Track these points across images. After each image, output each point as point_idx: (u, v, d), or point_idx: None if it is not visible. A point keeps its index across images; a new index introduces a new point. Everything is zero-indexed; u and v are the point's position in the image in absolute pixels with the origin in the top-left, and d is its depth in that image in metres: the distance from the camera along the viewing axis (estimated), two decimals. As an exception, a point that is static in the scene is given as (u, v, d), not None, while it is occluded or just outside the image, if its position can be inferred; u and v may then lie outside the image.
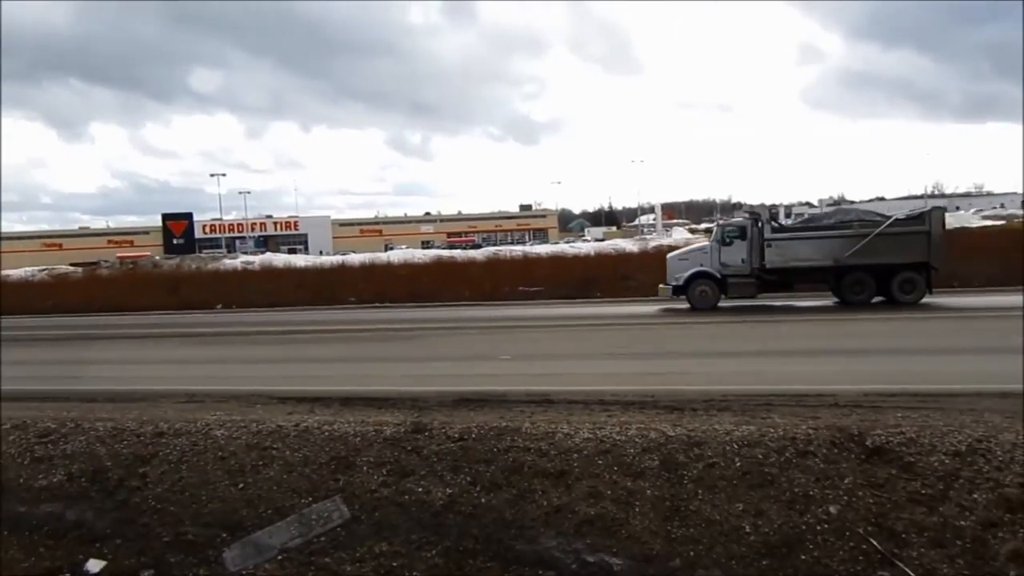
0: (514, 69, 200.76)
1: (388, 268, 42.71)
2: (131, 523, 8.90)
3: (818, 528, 7.28)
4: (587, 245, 56.01)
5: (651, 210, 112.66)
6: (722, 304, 22.69)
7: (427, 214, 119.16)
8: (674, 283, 23.34)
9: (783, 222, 25.10)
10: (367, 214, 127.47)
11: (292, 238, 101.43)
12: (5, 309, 35.67)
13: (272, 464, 9.23)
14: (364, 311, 28.95)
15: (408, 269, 40.78)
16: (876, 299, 21.98)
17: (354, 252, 63.42)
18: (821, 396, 10.18)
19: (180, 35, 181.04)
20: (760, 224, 22.99)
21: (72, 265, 63.47)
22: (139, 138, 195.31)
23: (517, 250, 52.07)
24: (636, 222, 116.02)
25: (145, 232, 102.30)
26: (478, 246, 74.33)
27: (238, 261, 53.68)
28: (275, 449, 9.47)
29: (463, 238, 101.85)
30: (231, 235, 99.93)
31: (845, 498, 7.54)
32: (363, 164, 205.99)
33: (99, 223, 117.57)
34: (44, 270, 55.99)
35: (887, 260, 21.76)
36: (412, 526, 8.16)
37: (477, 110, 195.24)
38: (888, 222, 22.16)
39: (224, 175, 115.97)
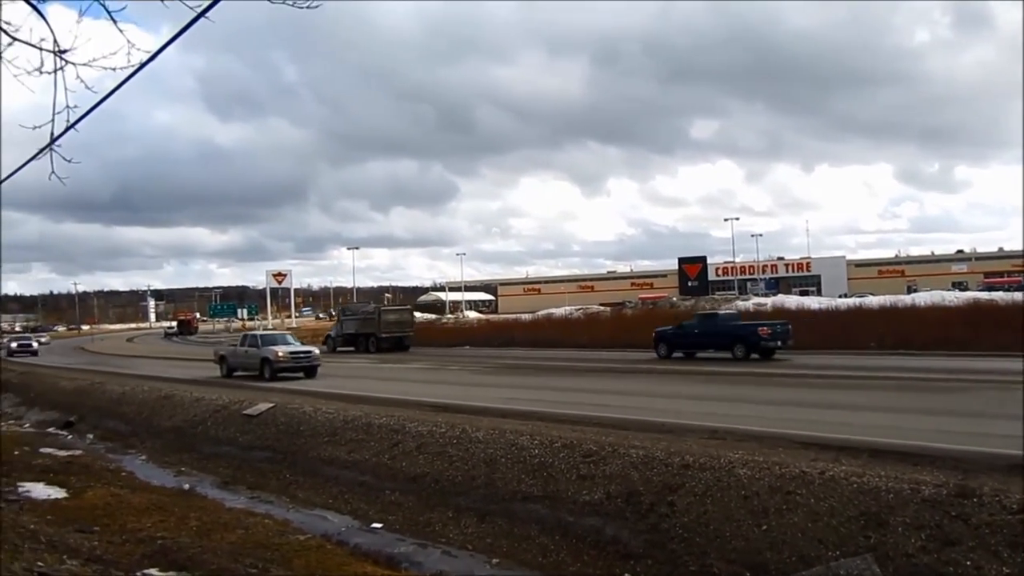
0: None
1: (912, 311, 39.12)
2: (660, 547, 9.50)
3: None
4: None
5: None
6: None
7: (959, 252, 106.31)
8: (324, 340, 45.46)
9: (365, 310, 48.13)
10: (882, 253, 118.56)
11: (804, 279, 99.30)
12: (550, 342, 41.39)
13: (796, 510, 9.05)
14: (886, 358, 26.89)
15: (936, 313, 36.79)
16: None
17: (872, 294, 59.47)
18: None
19: (677, 90, 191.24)
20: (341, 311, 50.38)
21: (601, 305, 71.10)
22: (648, 189, 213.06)
23: (1083, 293, 43.32)
24: None
25: (663, 275, 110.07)
26: (1026, 288, 63.70)
27: (750, 303, 54.33)
28: (799, 495, 9.27)
29: (1005, 279, 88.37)
30: (742, 277, 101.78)
31: None
32: (872, 201, 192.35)
33: (621, 267, 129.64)
34: (579, 309, 63.60)
35: (367, 331, 43.05)
36: (959, 603, 7.25)
37: (1011, 129, 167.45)
38: (365, 312, 45.48)
39: (737, 219, 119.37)
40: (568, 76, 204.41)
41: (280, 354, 27.15)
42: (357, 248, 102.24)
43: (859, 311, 41.84)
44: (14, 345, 58.53)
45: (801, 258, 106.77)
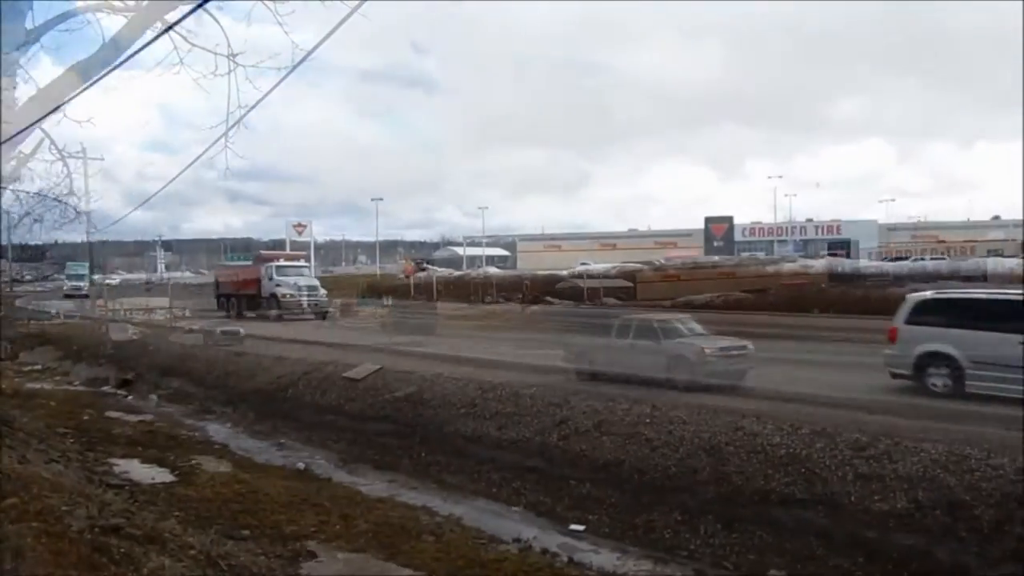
0: None
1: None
2: None
3: None
4: None
5: None
6: None
7: None
8: None
9: None
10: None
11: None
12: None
13: None
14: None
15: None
16: None
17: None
18: None
19: (818, 69, 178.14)
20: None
21: (743, 292, 66.33)
22: (790, 170, 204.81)
23: None
24: None
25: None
26: None
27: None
28: None
29: None
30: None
31: None
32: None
33: (760, 253, 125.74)
34: (719, 296, 59.52)
35: None
36: None
37: None
38: None
39: (892, 200, 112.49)
40: (704, 58, 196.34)
41: (707, 351, 14.47)
42: (492, 237, 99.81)
43: None
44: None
45: (965, 241, 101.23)
